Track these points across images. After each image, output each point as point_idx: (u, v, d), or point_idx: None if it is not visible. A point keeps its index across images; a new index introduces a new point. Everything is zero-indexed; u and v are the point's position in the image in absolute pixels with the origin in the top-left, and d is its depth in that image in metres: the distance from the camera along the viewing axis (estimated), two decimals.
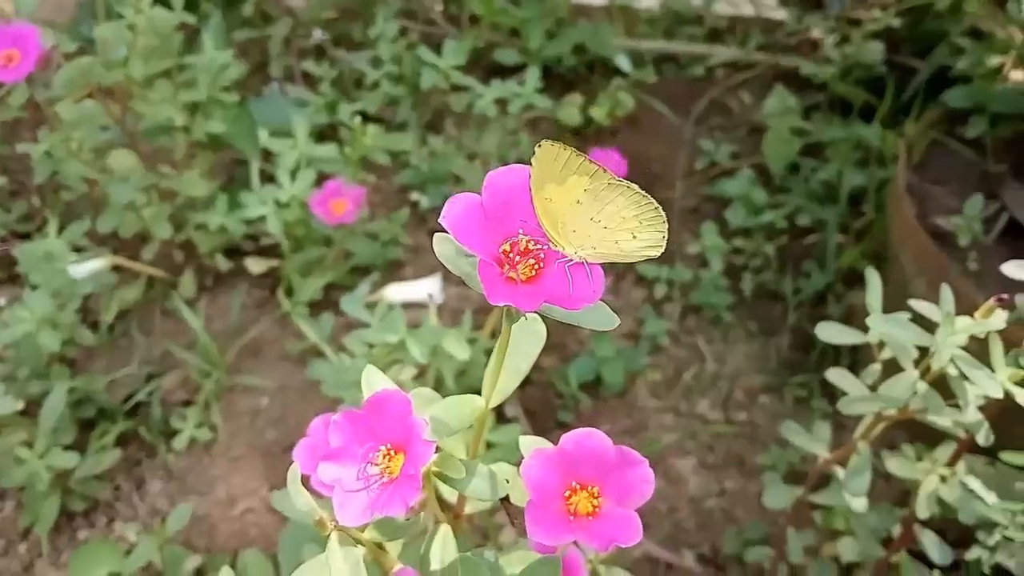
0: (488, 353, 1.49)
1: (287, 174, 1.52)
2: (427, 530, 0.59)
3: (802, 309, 1.65)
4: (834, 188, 1.73)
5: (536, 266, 0.47)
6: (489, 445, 1.27)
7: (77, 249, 1.54)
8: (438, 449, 0.54)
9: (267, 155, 1.67)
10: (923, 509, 0.93)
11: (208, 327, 1.58)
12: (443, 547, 0.59)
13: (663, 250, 0.50)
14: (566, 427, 1.49)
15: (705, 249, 1.71)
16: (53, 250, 1.36)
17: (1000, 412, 0.89)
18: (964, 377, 0.71)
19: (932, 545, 1.01)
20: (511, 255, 0.46)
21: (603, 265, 0.47)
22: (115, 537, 1.37)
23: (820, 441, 0.97)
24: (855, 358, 1.49)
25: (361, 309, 1.12)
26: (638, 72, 2.03)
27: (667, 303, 1.68)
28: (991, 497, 0.98)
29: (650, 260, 1.71)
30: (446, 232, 0.44)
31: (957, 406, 0.79)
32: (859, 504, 0.87)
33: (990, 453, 1.05)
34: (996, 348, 0.73)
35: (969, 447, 0.97)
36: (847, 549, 1.10)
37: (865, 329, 0.84)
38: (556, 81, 2.05)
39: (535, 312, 0.45)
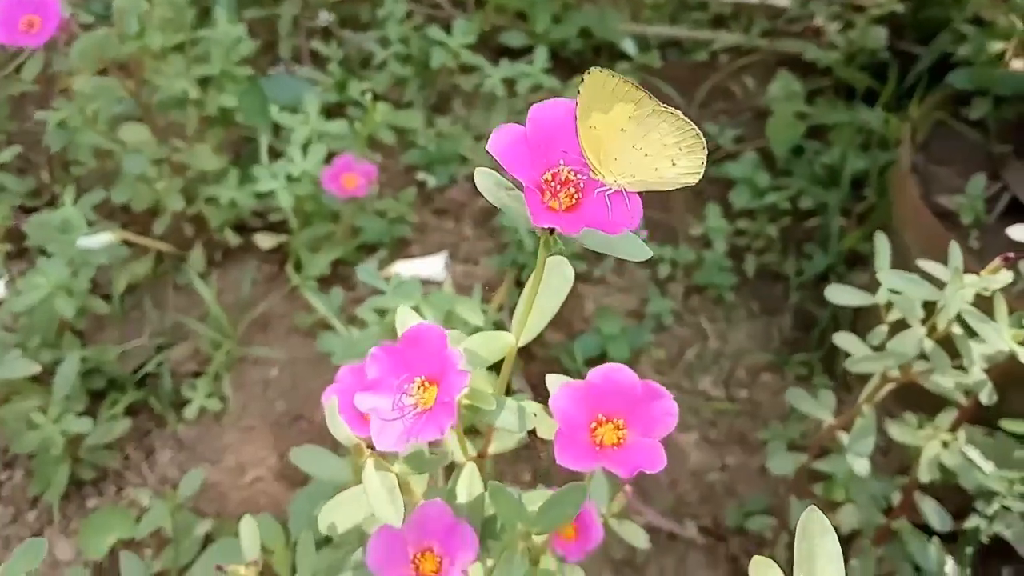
0: (497, 326, 1.51)
1: (298, 149, 1.53)
2: (452, 468, 0.61)
3: (804, 290, 1.68)
4: (837, 172, 1.75)
5: (576, 195, 0.49)
6: None
7: (88, 224, 1.56)
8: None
9: (277, 132, 1.69)
10: (925, 473, 0.95)
11: (218, 301, 1.59)
12: (470, 482, 0.61)
13: (700, 176, 0.52)
14: None
15: (709, 230, 1.73)
16: (68, 218, 1.37)
17: (1001, 381, 0.92)
18: (971, 334, 0.73)
19: (932, 512, 1.04)
20: (552, 184, 0.48)
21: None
22: (126, 503, 1.39)
23: (825, 407, 0.99)
24: (856, 333, 1.51)
25: (377, 278, 1.14)
26: (643, 56, 2.04)
27: (671, 283, 1.71)
28: (989, 466, 1.00)
29: (654, 240, 1.74)
30: (484, 170, 0.46)
31: (961, 367, 0.81)
32: (862, 466, 0.90)
33: (989, 424, 1.07)
34: (1001, 308, 0.76)
35: (970, 414, 0.99)
36: (848, 517, 1.12)
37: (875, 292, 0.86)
38: (562, 64, 2.07)
39: (575, 237, 0.47)
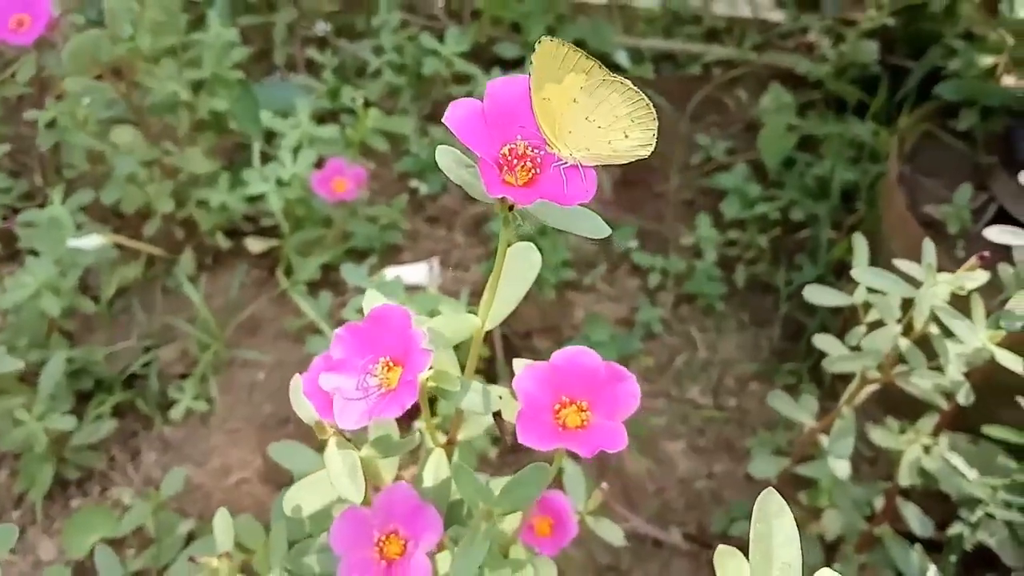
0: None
1: (289, 152, 1.54)
2: (421, 453, 0.61)
3: (793, 300, 1.68)
4: (827, 183, 1.76)
5: (532, 170, 0.49)
6: None
7: (78, 226, 1.56)
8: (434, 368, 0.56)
9: (268, 138, 1.69)
10: (905, 477, 0.95)
11: (207, 304, 1.60)
12: (436, 468, 0.60)
13: (652, 149, 0.52)
14: None
15: (700, 240, 1.73)
16: (57, 216, 1.37)
17: (982, 388, 0.91)
18: (947, 333, 0.73)
19: (914, 518, 1.03)
20: (509, 158, 0.49)
21: (597, 174, 0.50)
22: (109, 503, 1.39)
23: (806, 411, 0.99)
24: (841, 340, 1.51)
25: (364, 278, 1.14)
26: (637, 69, 2.06)
27: (661, 292, 1.71)
28: (973, 473, 1.00)
29: (645, 250, 1.74)
30: (445, 148, 0.46)
31: (939, 369, 0.81)
32: (842, 469, 0.89)
33: (972, 430, 1.07)
34: (977, 308, 0.76)
35: (951, 419, 0.99)
36: (831, 522, 1.11)
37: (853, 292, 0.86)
38: None
39: (530, 225, 0.47)
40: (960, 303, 0.77)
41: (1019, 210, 1.25)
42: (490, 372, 1.46)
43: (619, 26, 2.16)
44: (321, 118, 1.87)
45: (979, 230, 1.31)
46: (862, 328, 0.84)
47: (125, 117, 1.53)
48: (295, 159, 1.55)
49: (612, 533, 0.80)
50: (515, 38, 2.09)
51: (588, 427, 0.55)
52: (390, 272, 1.61)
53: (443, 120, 0.46)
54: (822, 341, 0.88)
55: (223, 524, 0.73)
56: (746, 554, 1.27)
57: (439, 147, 0.49)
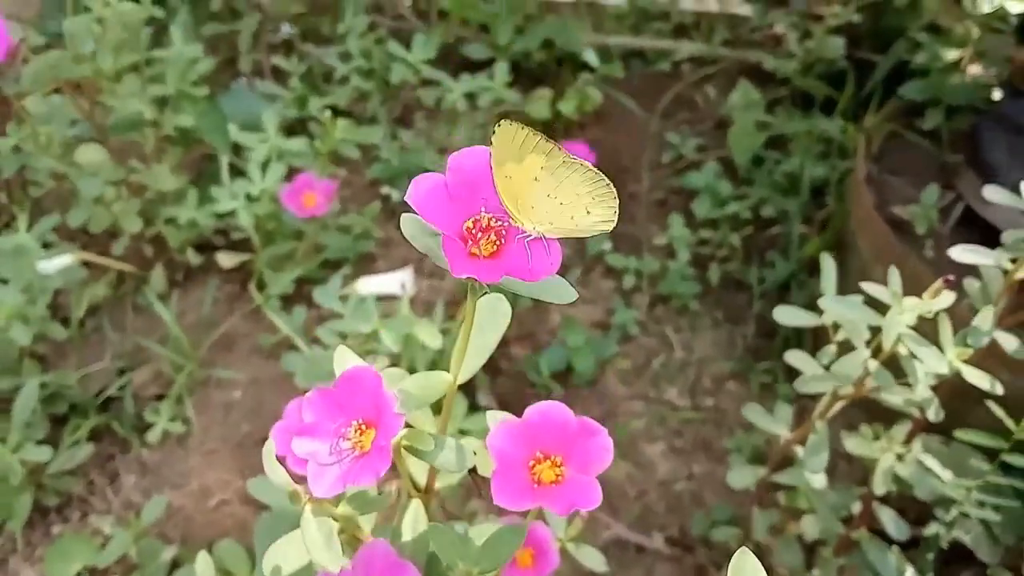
0: None
1: (257, 168, 1.53)
2: (399, 505, 0.61)
3: (767, 298, 1.69)
4: (797, 180, 1.77)
5: (497, 242, 0.49)
6: (463, 432, 1.30)
7: (46, 245, 1.54)
8: (408, 425, 0.56)
9: (237, 150, 1.68)
10: (879, 486, 0.96)
11: (180, 322, 1.58)
12: (414, 520, 0.61)
13: (614, 224, 0.53)
14: None
15: (672, 240, 1.74)
16: (22, 244, 1.35)
17: (953, 392, 0.93)
18: (913, 355, 0.74)
19: (890, 521, 1.05)
20: (474, 232, 0.49)
21: (562, 243, 0.50)
22: (89, 531, 1.38)
23: (781, 422, 1.00)
24: (817, 344, 1.53)
25: (334, 299, 1.14)
26: (606, 67, 2.05)
27: (636, 293, 1.71)
28: (947, 475, 1.02)
29: (619, 251, 1.75)
30: (410, 216, 0.46)
31: (909, 384, 0.82)
32: (818, 481, 0.90)
33: (945, 432, 1.09)
34: (945, 328, 0.77)
35: (924, 426, 1.00)
36: (810, 527, 1.13)
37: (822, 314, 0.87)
38: (525, 76, 2.07)
39: (497, 286, 0.47)
40: (928, 321, 0.78)
41: (985, 210, 1.26)
42: (469, 386, 1.47)
43: (587, 24, 2.15)
44: (290, 127, 1.85)
45: (947, 230, 1.33)
46: (832, 347, 0.85)
47: (90, 136, 1.51)
48: (264, 174, 1.53)
49: (594, 560, 0.80)
50: (483, 38, 2.08)
51: (563, 482, 0.56)
52: (364, 284, 1.60)
53: (405, 198, 0.46)
54: (794, 358, 0.88)
55: (205, 565, 0.73)
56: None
57: (403, 216, 0.49)
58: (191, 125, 1.53)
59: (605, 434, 0.57)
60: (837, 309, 0.75)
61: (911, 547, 1.17)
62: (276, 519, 1.19)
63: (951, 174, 1.38)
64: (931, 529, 1.10)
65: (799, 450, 0.97)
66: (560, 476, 0.56)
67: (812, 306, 1.58)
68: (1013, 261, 0.79)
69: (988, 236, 1.27)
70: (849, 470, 1.40)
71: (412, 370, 1.25)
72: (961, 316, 0.86)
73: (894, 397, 0.81)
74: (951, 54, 1.65)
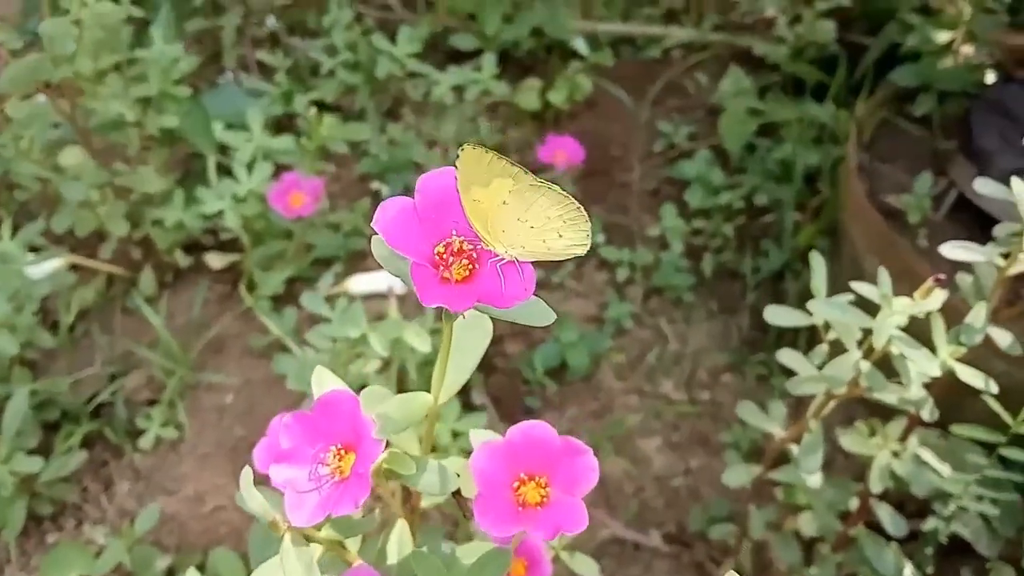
0: None
1: (243, 168, 1.51)
2: (385, 525, 0.60)
3: (761, 288, 1.68)
4: (790, 167, 1.75)
5: (470, 266, 0.48)
6: (456, 434, 1.29)
7: (34, 249, 1.52)
8: (390, 445, 0.55)
9: (224, 148, 1.66)
10: (876, 483, 0.95)
11: (170, 324, 1.57)
12: (400, 542, 0.60)
13: (588, 248, 0.51)
14: (533, 413, 1.50)
15: (665, 231, 1.73)
16: (8, 251, 1.34)
17: (950, 385, 0.92)
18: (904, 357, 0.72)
19: (887, 518, 1.04)
20: (445, 256, 0.47)
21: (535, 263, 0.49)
22: (84, 540, 1.37)
23: (775, 420, 0.99)
24: (812, 335, 1.52)
25: (321, 304, 1.12)
26: (595, 55, 2.03)
27: (630, 286, 1.70)
28: (945, 469, 1.01)
29: (612, 243, 1.73)
30: (380, 239, 0.44)
31: (902, 383, 0.81)
32: (813, 481, 0.89)
33: (942, 426, 1.08)
34: (938, 326, 0.75)
35: (920, 421, 0.99)
36: (807, 524, 1.12)
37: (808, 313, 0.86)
38: (514, 65, 2.05)
39: (472, 310, 0.46)
40: (920, 320, 0.77)
41: (979, 197, 1.25)
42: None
43: (576, 11, 2.13)
44: (276, 123, 1.83)
45: (941, 218, 1.32)
46: (825, 347, 0.84)
47: (72, 139, 1.49)
48: (250, 174, 1.51)
49: (588, 568, 0.80)
50: (471, 27, 2.06)
51: (548, 504, 0.54)
52: (356, 282, 1.59)
53: (372, 225, 0.44)
54: (787, 357, 0.87)
55: None
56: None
57: (374, 238, 0.47)
58: (175, 125, 1.50)
59: (590, 453, 0.56)
60: (827, 312, 0.74)
61: (909, 541, 1.16)
62: (268, 529, 1.18)
63: (943, 161, 1.37)
64: (930, 524, 1.09)
65: (794, 449, 0.96)
66: (545, 497, 0.55)
67: (807, 296, 1.57)
68: (1005, 256, 0.78)
69: (982, 223, 1.26)
70: (847, 464, 1.40)
71: (403, 372, 1.24)
72: (954, 307, 0.85)
73: (888, 396, 0.80)
74: (943, 36, 1.63)
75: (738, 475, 1.05)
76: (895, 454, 0.96)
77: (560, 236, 0.50)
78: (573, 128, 1.94)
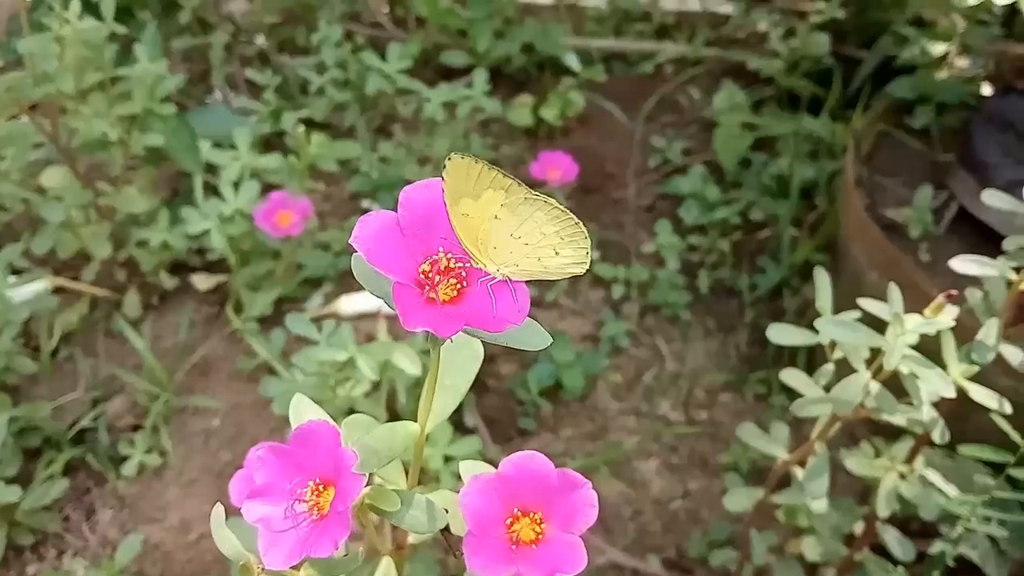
0: None
1: (230, 187, 1.47)
2: (368, 562, 0.57)
3: (759, 305, 1.65)
4: (786, 182, 1.73)
5: (458, 286, 0.44)
6: (448, 459, 1.25)
7: (17, 271, 1.49)
8: (372, 478, 0.51)
9: (211, 168, 1.63)
10: (883, 507, 0.92)
11: (155, 347, 1.53)
12: None
13: (587, 267, 0.47)
14: (527, 434, 1.47)
15: (661, 248, 1.70)
16: None
17: (956, 404, 0.89)
18: (916, 377, 0.69)
19: (895, 542, 1.01)
20: (431, 275, 0.44)
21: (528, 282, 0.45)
22: (65, 570, 1.32)
23: (778, 443, 0.96)
24: (812, 352, 1.49)
25: (308, 327, 1.09)
26: (588, 71, 2.01)
27: (625, 303, 1.67)
28: (951, 490, 0.97)
29: (607, 260, 1.70)
30: (360, 256, 0.41)
31: (912, 403, 0.78)
32: (819, 505, 0.86)
33: (949, 445, 1.04)
34: (948, 344, 0.72)
35: (927, 442, 0.96)
36: (811, 549, 1.08)
37: (813, 331, 0.83)
38: (506, 82, 2.03)
39: (460, 334, 0.42)
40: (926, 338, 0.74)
41: (981, 210, 1.22)
42: None
43: (568, 27, 2.11)
44: (265, 142, 1.80)
45: (942, 231, 1.29)
46: (830, 366, 0.81)
47: (55, 159, 1.45)
48: (237, 192, 1.48)
49: None
50: (462, 44, 2.04)
51: (544, 541, 0.51)
52: (346, 302, 1.56)
53: (350, 242, 0.41)
54: (790, 377, 0.84)
55: None
56: None
57: (354, 256, 0.44)
58: (160, 144, 1.47)
59: (588, 487, 0.52)
60: (835, 331, 0.71)
61: (915, 564, 1.12)
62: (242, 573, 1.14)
63: (943, 173, 1.34)
64: (936, 546, 1.06)
65: (798, 472, 0.92)
66: (540, 535, 0.51)
67: (805, 311, 1.54)
68: (1017, 270, 0.75)
69: (984, 236, 1.23)
70: (849, 482, 1.36)
71: (392, 395, 1.20)
72: (961, 323, 0.82)
73: (896, 418, 0.76)
74: (937, 48, 1.62)
75: (739, 499, 1.01)
76: (902, 476, 0.92)
77: (557, 254, 0.46)
78: (566, 144, 1.91)
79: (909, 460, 0.94)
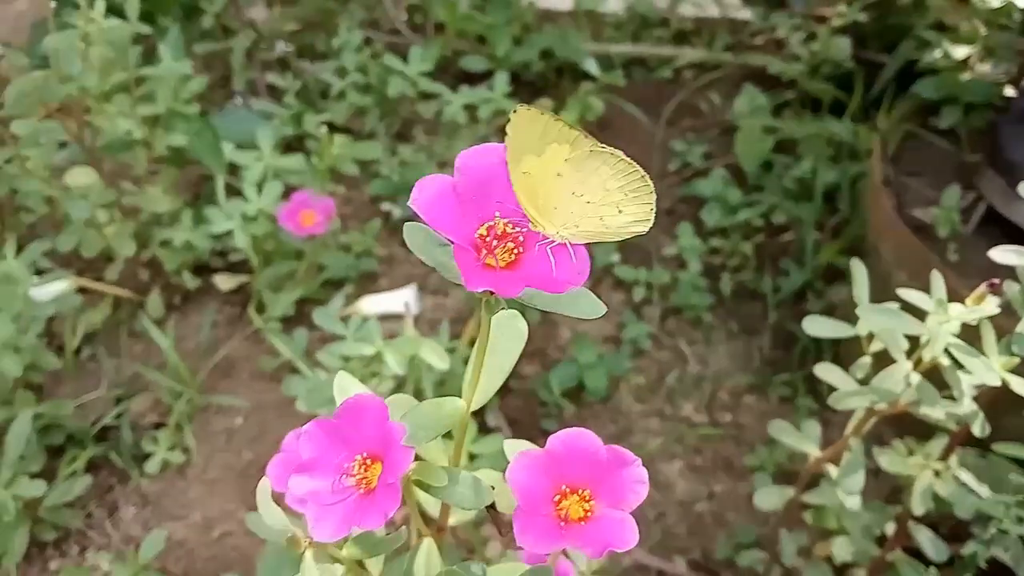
0: (467, 362, 1.46)
1: (253, 187, 1.48)
2: (409, 545, 0.56)
3: (782, 307, 1.64)
4: (808, 185, 1.72)
5: (515, 250, 0.44)
6: (472, 456, 1.24)
7: (40, 271, 1.49)
8: (418, 457, 0.51)
9: (233, 169, 1.63)
10: (919, 505, 0.91)
11: (178, 347, 1.53)
12: (427, 562, 0.55)
13: (651, 225, 0.47)
14: (549, 435, 1.46)
15: (682, 250, 1.69)
16: (12, 272, 1.31)
17: (989, 403, 0.88)
18: (958, 366, 0.69)
19: (928, 542, 0.99)
20: (488, 239, 0.43)
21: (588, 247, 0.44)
22: (88, 566, 1.32)
23: (810, 439, 0.95)
24: (837, 354, 1.48)
25: (335, 322, 1.09)
26: (607, 76, 2.01)
27: (647, 306, 1.66)
28: (984, 490, 0.96)
29: (628, 263, 1.70)
30: (416, 220, 0.41)
31: (950, 397, 0.77)
32: (853, 502, 0.85)
33: (981, 445, 1.03)
34: (988, 335, 0.72)
35: (961, 440, 0.95)
36: (841, 549, 1.07)
37: (848, 324, 0.82)
38: (525, 87, 2.03)
39: (517, 300, 0.42)
40: (969, 328, 0.73)
41: (1009, 209, 1.21)
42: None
43: (586, 33, 2.11)
44: (287, 145, 1.81)
45: (970, 231, 1.28)
46: (867, 359, 0.80)
47: (80, 158, 1.46)
48: (260, 193, 1.49)
49: None
50: (482, 50, 2.04)
51: (592, 519, 0.50)
52: (367, 303, 1.56)
53: (409, 204, 0.41)
54: (825, 371, 0.83)
55: None
56: None
57: (406, 225, 0.44)
58: (184, 145, 1.48)
59: (638, 464, 0.51)
60: (876, 318, 0.70)
61: (946, 565, 1.11)
62: (279, 553, 1.14)
63: (970, 174, 1.33)
64: (969, 548, 1.05)
65: (831, 469, 0.91)
66: (589, 512, 0.50)
67: (829, 315, 1.52)
68: None
69: (1012, 236, 1.22)
70: (876, 485, 1.35)
71: (418, 392, 1.20)
72: (997, 322, 0.81)
73: (935, 411, 0.76)
74: (960, 52, 1.61)
75: (770, 497, 1.00)
76: (937, 474, 0.91)
77: (620, 212, 0.45)
78: None
79: (944, 457, 0.93)
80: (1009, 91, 1.53)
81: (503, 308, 0.44)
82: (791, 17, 1.97)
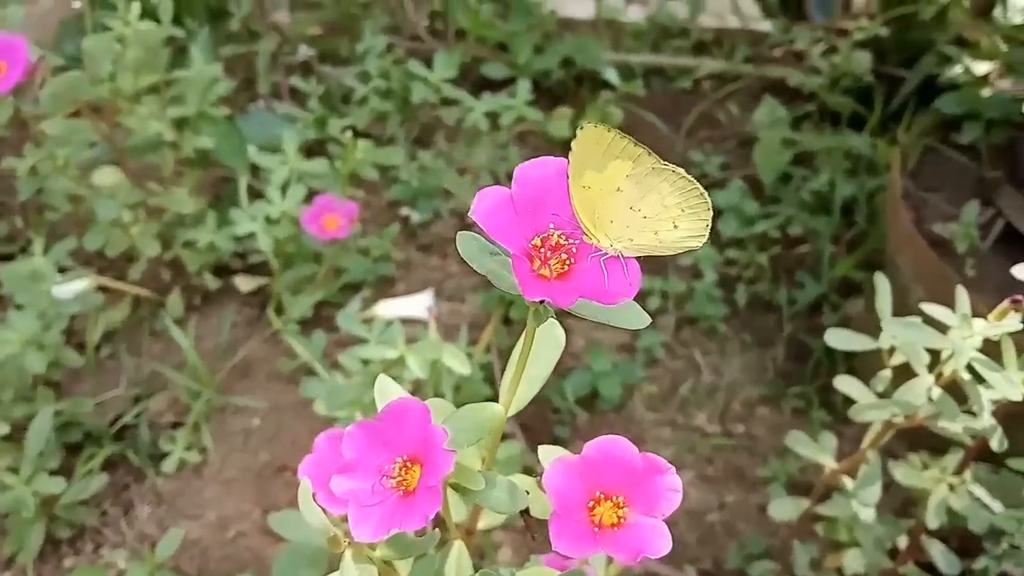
0: (484, 368, 1.47)
1: (277, 190, 1.50)
2: (438, 547, 0.57)
3: (797, 320, 1.65)
4: (825, 198, 1.73)
5: (568, 261, 0.45)
6: None
7: (62, 270, 1.51)
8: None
9: (255, 172, 1.65)
10: (933, 519, 0.92)
11: (197, 347, 1.55)
12: (458, 564, 0.57)
13: (705, 239, 0.48)
14: (562, 442, 1.47)
15: (698, 260, 1.70)
16: (38, 269, 1.33)
17: (1004, 418, 0.88)
18: (979, 380, 0.69)
19: (940, 555, 1.00)
20: (542, 250, 0.45)
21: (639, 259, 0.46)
22: (102, 564, 1.34)
23: (827, 451, 0.96)
24: (851, 367, 1.48)
25: (358, 324, 1.10)
26: (626, 85, 2.02)
27: (662, 315, 1.67)
28: (997, 505, 0.97)
29: (643, 272, 1.71)
30: (467, 231, 0.42)
31: (968, 412, 0.78)
32: (868, 515, 0.86)
33: (993, 460, 1.04)
34: (1009, 351, 0.72)
35: (976, 454, 0.96)
36: (853, 561, 1.08)
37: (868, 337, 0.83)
38: (545, 95, 2.05)
39: (566, 310, 0.43)
40: (989, 343, 0.74)
41: None
42: None
43: (607, 42, 2.13)
44: (309, 149, 1.82)
45: (988, 247, 1.29)
46: (887, 372, 0.81)
47: (107, 158, 1.48)
48: (284, 196, 1.50)
49: None
50: (502, 57, 2.06)
51: (626, 526, 0.51)
52: (384, 307, 1.57)
53: (470, 215, 0.42)
54: (844, 384, 0.84)
55: None
56: None
57: (460, 234, 0.45)
58: (210, 147, 1.50)
59: (672, 472, 0.52)
60: (900, 332, 0.71)
61: None
62: (295, 553, 1.15)
63: (990, 190, 1.34)
64: (980, 562, 1.05)
65: (847, 481, 0.92)
66: (622, 518, 0.52)
67: (845, 328, 1.53)
68: None
69: None
70: (887, 499, 1.35)
71: (438, 396, 1.21)
72: (1018, 339, 0.82)
73: (953, 425, 0.76)
74: (980, 67, 1.62)
75: (785, 508, 1.01)
76: (951, 488, 0.92)
77: (675, 227, 0.47)
78: None
79: (959, 472, 0.93)
80: None
81: (551, 317, 0.45)
82: (811, 30, 1.98)
